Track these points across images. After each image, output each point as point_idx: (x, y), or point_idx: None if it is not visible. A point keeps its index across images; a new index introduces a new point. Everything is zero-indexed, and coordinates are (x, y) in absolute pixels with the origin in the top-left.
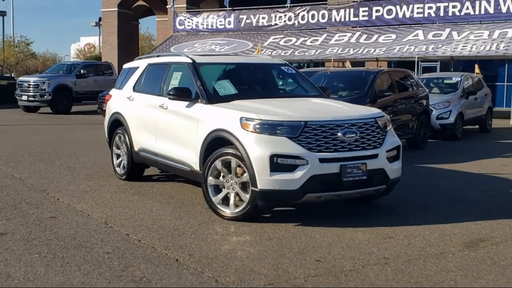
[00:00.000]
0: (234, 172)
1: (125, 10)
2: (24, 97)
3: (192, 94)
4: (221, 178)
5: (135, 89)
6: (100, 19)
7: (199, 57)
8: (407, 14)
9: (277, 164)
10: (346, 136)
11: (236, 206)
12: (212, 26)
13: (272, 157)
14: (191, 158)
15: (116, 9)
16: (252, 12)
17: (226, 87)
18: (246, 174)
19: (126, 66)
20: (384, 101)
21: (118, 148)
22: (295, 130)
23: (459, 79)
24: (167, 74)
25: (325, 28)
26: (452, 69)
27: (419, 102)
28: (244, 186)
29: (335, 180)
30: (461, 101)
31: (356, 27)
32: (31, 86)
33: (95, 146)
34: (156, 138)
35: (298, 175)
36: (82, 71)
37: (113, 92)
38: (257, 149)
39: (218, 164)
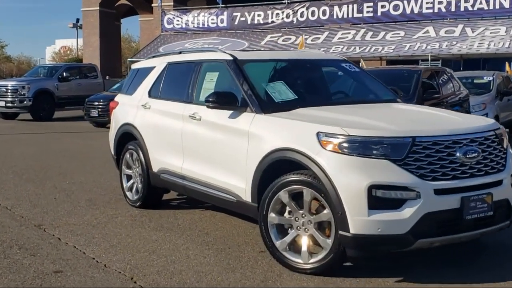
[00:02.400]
0: (308, 208)
1: (107, 9)
2: (2, 103)
3: (238, 101)
4: (286, 214)
5: (151, 94)
6: (77, 20)
7: (240, 52)
8: (416, 10)
9: (378, 198)
10: (467, 156)
11: (311, 254)
12: (203, 24)
13: (371, 188)
14: (238, 185)
15: (98, 8)
16: (247, 9)
17: (281, 91)
18: (326, 211)
19: (136, 66)
20: (430, 104)
21: (129, 167)
22: (400, 150)
23: (491, 78)
24: (197, 76)
25: (327, 25)
26: (461, 68)
27: (462, 105)
28: (321, 226)
29: (455, 219)
30: (495, 103)
31: (360, 24)
32: (9, 90)
33: (89, 159)
34: (184, 157)
35: (407, 214)
36: (64, 74)
37: (120, 98)
38: (349, 177)
39: (283, 196)
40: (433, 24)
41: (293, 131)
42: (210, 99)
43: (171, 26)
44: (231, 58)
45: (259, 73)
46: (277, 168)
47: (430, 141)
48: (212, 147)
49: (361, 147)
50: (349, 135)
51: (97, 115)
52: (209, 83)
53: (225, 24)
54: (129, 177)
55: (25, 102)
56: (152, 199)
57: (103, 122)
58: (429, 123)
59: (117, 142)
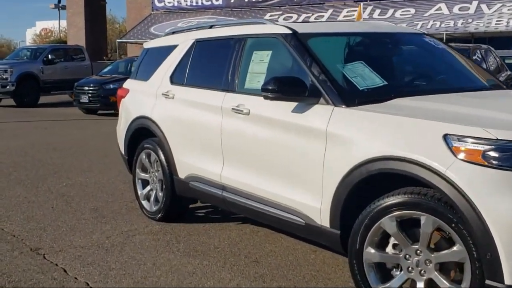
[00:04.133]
0: (426, 242)
1: None
2: None
3: (307, 89)
4: (390, 249)
5: (174, 80)
6: (59, 0)
7: (298, 24)
8: None
9: None
10: None
11: None
12: (197, 2)
13: None
14: (309, 203)
15: None
16: None
17: (364, 74)
18: (458, 248)
19: (149, 45)
20: None
21: (145, 171)
22: None
23: None
24: (239, 56)
25: (330, 3)
26: None
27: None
28: (444, 266)
29: None
30: None
31: (367, 0)
32: None
33: (85, 154)
34: (224, 162)
35: None
36: (50, 57)
37: (130, 84)
38: (505, 202)
39: (388, 224)
40: (445, 1)
41: (402, 132)
42: (270, 87)
43: (162, 4)
44: (289, 31)
45: (328, 51)
46: (375, 183)
47: None
48: (268, 151)
49: None
50: (497, 139)
51: (87, 101)
52: (259, 65)
53: (220, 1)
54: (144, 183)
55: (7, 87)
56: (176, 211)
57: (94, 108)
58: None
59: (129, 139)
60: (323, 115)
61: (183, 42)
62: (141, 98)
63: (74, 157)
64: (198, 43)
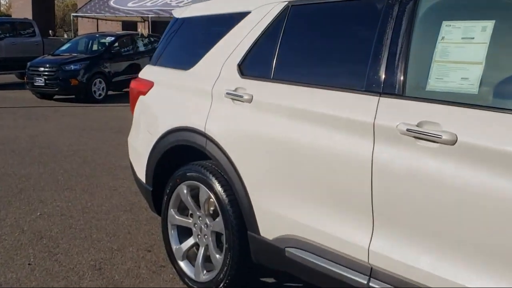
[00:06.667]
0: None
1: None
2: None
3: None
4: None
5: (247, 71)
6: None
7: None
8: None
9: None
10: None
11: None
12: None
13: None
14: None
15: None
16: None
17: None
18: None
19: (186, 14)
20: None
21: (185, 213)
22: None
23: None
24: (404, 30)
25: None
26: None
27: None
28: None
29: None
30: None
31: None
32: None
33: (55, 158)
34: (376, 226)
35: None
36: None
37: (154, 74)
38: None
39: None
40: None
41: None
42: None
43: None
44: None
45: None
46: None
47: None
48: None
49: None
50: None
51: (43, 84)
52: (462, 49)
53: None
54: (184, 232)
55: None
56: (243, 284)
57: (50, 93)
58: None
59: (157, 162)
60: None
61: (262, 7)
62: (181, 98)
63: (41, 165)
64: (295, 7)
